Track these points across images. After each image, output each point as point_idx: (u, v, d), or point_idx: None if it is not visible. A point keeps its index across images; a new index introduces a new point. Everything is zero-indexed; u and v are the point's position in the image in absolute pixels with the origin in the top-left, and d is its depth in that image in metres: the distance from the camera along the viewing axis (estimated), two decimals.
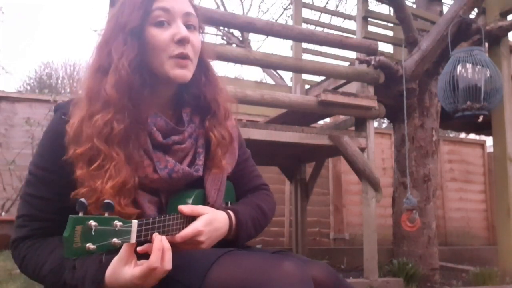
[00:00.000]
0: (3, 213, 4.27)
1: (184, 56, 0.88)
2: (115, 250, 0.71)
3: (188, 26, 0.91)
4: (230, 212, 0.94)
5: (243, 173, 1.09)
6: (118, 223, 0.68)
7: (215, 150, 0.95)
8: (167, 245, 0.74)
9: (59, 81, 13.80)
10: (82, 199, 0.67)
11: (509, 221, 3.39)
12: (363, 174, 2.87)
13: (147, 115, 0.88)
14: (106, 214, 0.68)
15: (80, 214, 0.66)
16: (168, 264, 0.73)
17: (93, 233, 0.65)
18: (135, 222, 0.71)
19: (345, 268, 4.14)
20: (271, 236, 4.98)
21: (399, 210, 3.38)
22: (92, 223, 0.65)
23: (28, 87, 13.41)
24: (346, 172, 5.29)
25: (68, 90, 13.22)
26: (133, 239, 0.70)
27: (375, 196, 2.88)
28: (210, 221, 0.86)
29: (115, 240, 0.68)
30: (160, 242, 0.73)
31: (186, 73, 0.89)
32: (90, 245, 0.65)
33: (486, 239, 6.31)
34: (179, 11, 0.89)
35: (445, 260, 4.10)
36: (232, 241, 0.94)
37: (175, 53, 0.87)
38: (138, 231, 0.71)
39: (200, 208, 0.87)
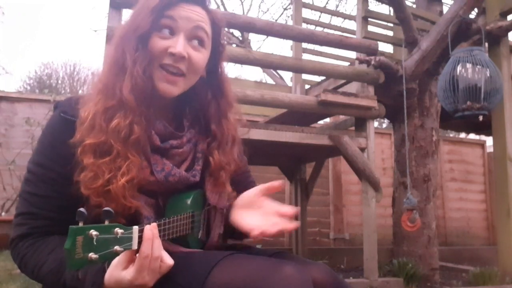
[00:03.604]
0: (3, 213, 4.27)
1: (173, 71, 0.86)
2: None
3: (193, 42, 0.89)
4: None
5: (239, 179, 1.07)
6: (119, 231, 0.67)
7: (218, 173, 0.95)
8: (155, 232, 0.73)
9: (59, 81, 13.82)
10: (82, 209, 0.65)
11: (509, 221, 3.39)
12: (363, 174, 2.87)
13: (152, 118, 0.88)
14: (106, 222, 0.67)
15: (80, 224, 0.64)
16: (157, 251, 0.71)
17: (94, 243, 0.64)
18: (135, 228, 0.70)
19: (345, 268, 4.14)
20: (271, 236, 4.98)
21: (399, 210, 3.38)
22: (93, 232, 0.64)
23: (28, 87, 13.43)
24: (346, 172, 5.29)
25: (68, 90, 13.23)
26: (135, 245, 0.70)
27: (375, 196, 2.88)
28: None
29: (117, 247, 0.67)
30: (150, 231, 0.72)
31: (172, 90, 0.87)
32: (92, 255, 0.64)
33: (486, 239, 6.31)
34: (186, 23, 0.86)
35: (445, 260, 4.10)
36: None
37: (164, 62, 0.86)
38: (139, 237, 0.71)
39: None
